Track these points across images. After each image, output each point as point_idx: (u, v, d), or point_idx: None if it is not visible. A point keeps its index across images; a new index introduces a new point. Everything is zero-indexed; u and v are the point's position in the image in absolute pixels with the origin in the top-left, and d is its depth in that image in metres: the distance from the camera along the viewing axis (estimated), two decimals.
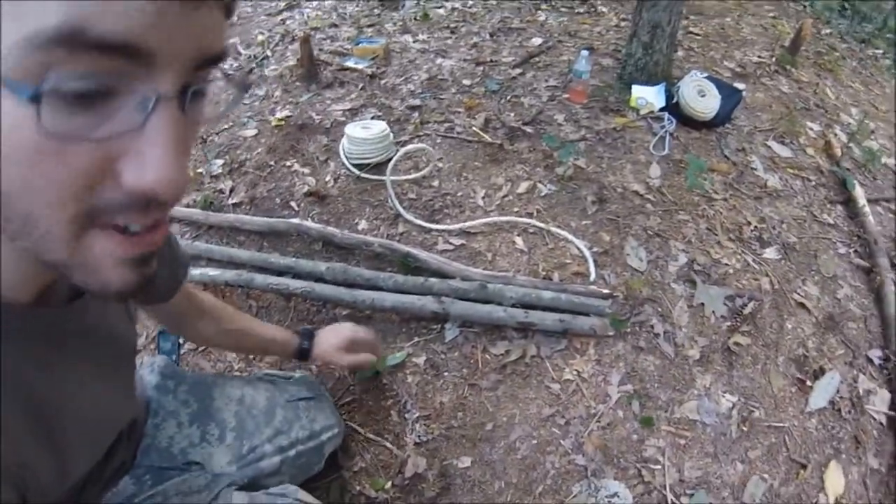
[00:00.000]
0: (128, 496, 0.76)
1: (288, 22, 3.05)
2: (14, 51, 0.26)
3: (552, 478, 1.26)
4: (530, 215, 1.80)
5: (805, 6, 3.99)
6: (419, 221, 1.75)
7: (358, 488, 1.23)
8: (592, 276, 1.64)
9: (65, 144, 0.28)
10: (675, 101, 2.25)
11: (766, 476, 1.30)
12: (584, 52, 2.32)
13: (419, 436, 1.33)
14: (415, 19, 2.96)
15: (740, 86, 2.49)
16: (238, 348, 1.27)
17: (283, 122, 2.16)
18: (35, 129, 0.27)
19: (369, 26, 2.92)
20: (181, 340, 1.38)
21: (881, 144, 2.45)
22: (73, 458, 0.49)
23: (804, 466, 1.33)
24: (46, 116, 0.27)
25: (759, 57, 2.85)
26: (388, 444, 1.32)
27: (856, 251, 1.90)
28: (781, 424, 1.39)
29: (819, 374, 1.51)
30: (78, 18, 0.26)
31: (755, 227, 1.89)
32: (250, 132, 2.17)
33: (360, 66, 2.44)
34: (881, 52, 3.58)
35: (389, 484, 1.24)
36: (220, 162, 2.06)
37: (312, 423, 1.04)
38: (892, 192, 2.20)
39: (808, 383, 1.49)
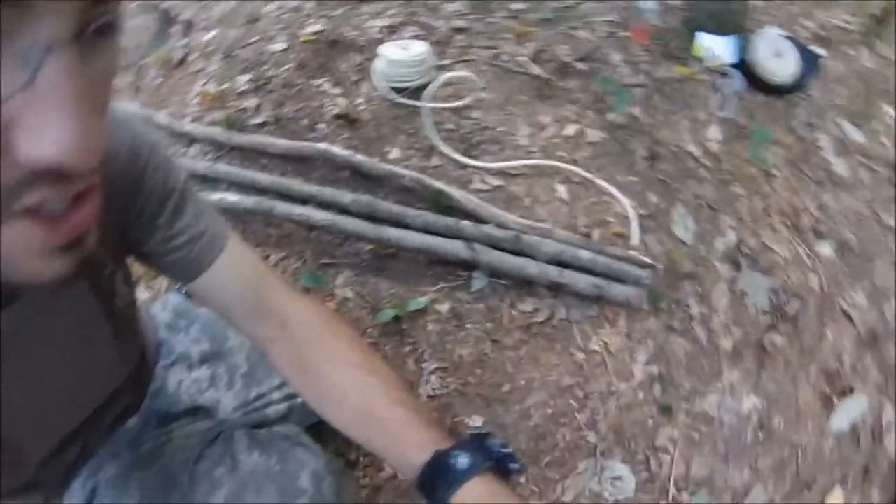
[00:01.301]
0: (133, 435, 0.76)
1: None
2: None
3: (561, 450, 1.23)
4: (575, 162, 1.66)
5: None
6: (456, 156, 1.62)
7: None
8: (635, 241, 1.52)
9: None
10: (745, 57, 2.04)
11: (769, 488, 1.25)
12: None
13: (433, 388, 1.27)
14: None
15: (820, 51, 2.26)
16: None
17: (314, 38, 1.99)
18: None
19: None
20: None
21: None
22: (26, 446, 0.49)
23: (809, 486, 1.27)
24: None
25: (844, 22, 2.56)
26: None
27: None
28: (798, 438, 1.32)
29: (848, 393, 1.41)
30: None
31: (813, 215, 1.73)
32: (279, 46, 2.00)
33: None
34: None
35: None
36: (245, 78, 1.91)
37: None
38: None
39: (835, 401, 1.40)
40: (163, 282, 1.45)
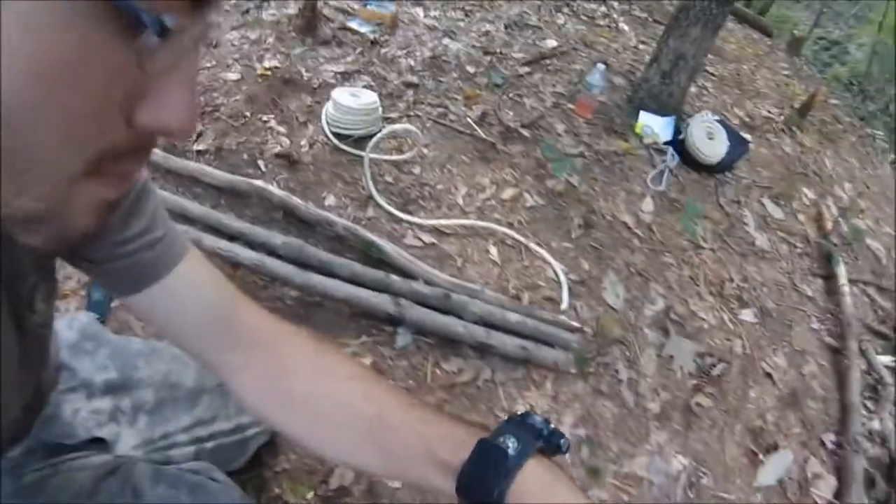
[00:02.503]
0: (14, 465, 0.65)
1: None
2: None
3: None
4: (510, 225, 1.68)
5: (818, 73, 3.99)
6: (391, 209, 1.61)
7: (278, 491, 1.11)
8: (564, 305, 1.53)
9: (108, 71, 0.25)
10: (681, 137, 2.17)
11: None
12: (600, 66, 2.21)
13: None
14: None
15: (747, 136, 2.43)
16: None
17: (268, 73, 1.97)
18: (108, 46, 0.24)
19: None
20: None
21: (868, 225, 2.43)
22: None
23: None
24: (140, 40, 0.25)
25: (769, 112, 2.82)
26: None
27: (828, 329, 1.86)
28: (727, 496, 1.33)
29: (772, 449, 1.46)
30: None
31: (737, 284, 1.83)
32: (233, 76, 1.97)
33: (362, 30, 2.26)
34: (880, 133, 3.61)
35: (312, 493, 1.12)
36: None
37: (240, 414, 0.90)
38: (870, 276, 2.17)
39: (761, 457, 1.44)
40: (72, 301, 1.31)
